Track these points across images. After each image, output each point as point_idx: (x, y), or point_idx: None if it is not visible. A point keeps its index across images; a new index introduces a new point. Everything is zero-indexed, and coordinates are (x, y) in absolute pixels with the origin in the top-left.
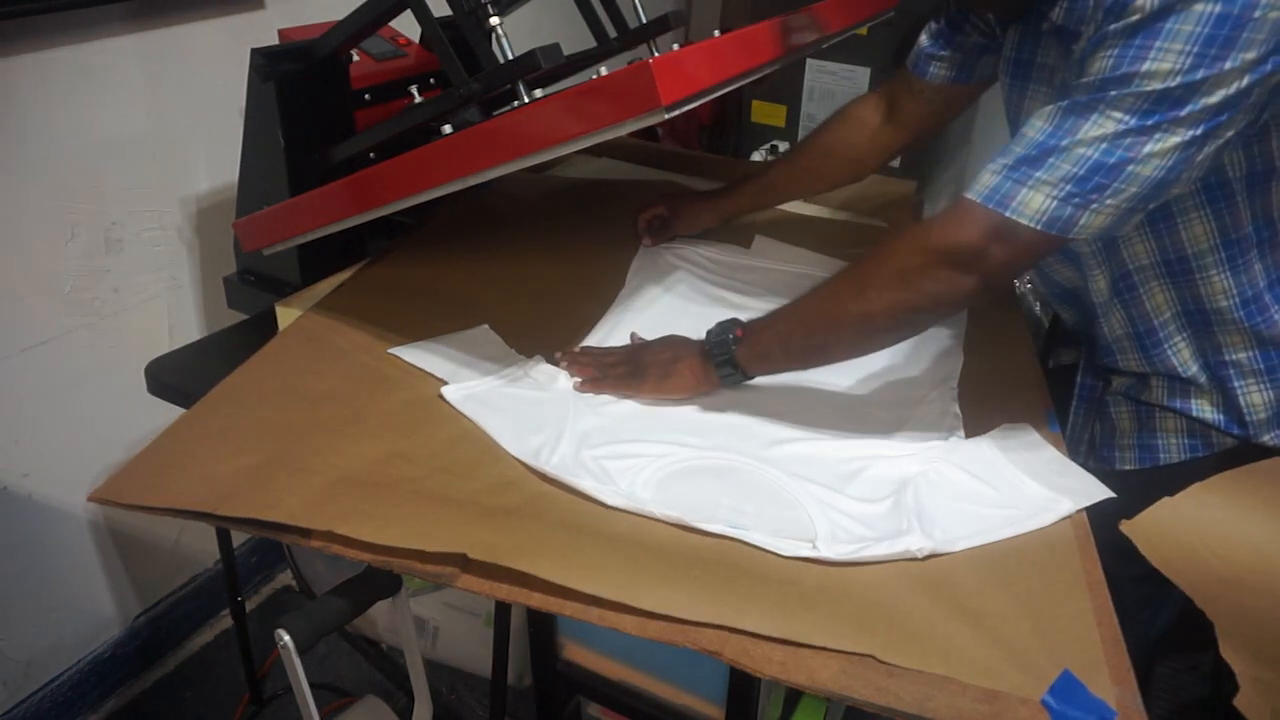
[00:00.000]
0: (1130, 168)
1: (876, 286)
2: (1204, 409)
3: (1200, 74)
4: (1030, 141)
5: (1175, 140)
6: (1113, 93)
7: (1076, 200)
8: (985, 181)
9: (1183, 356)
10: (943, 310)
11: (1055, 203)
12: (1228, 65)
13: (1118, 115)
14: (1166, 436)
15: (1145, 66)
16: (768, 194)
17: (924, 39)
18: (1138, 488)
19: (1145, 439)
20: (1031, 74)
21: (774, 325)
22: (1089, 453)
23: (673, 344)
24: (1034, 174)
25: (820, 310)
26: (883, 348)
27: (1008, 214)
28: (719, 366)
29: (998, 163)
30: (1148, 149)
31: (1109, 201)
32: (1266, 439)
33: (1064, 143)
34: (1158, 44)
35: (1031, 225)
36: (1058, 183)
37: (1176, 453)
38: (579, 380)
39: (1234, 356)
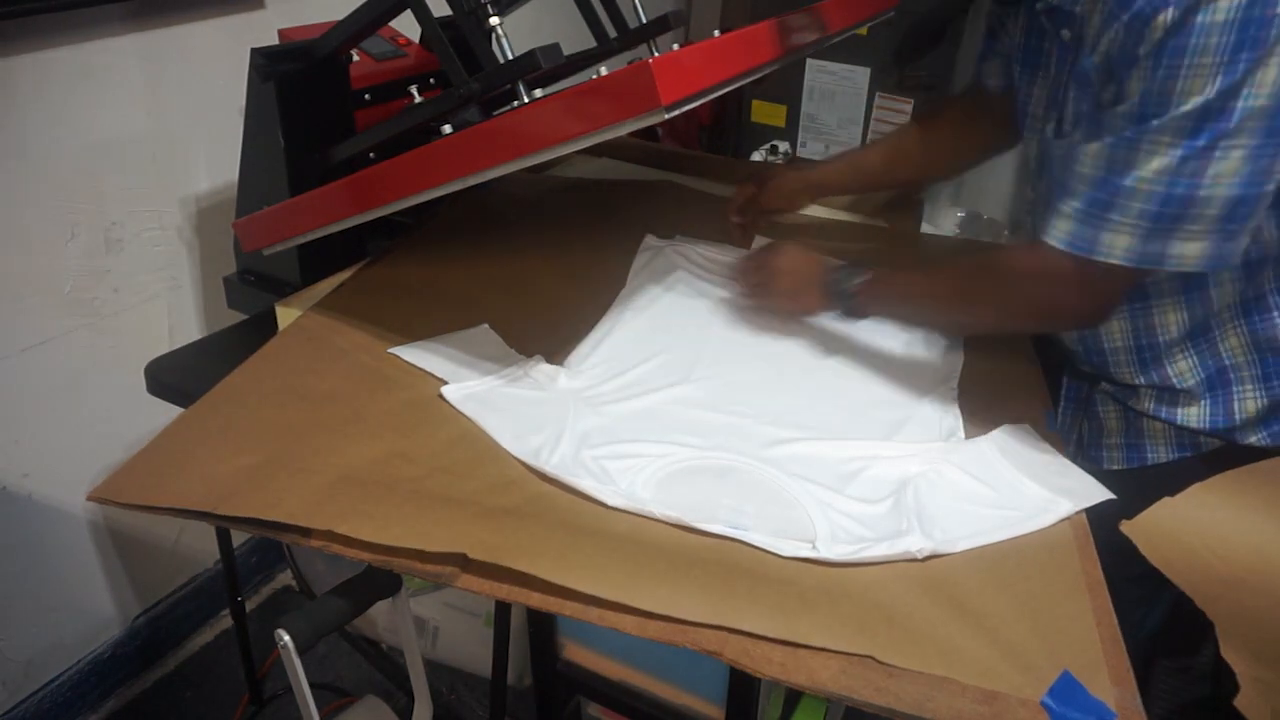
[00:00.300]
0: (1201, 192)
1: (981, 312)
2: (1190, 417)
3: (1233, 80)
4: (1093, 180)
5: (1238, 154)
6: (1154, 122)
7: (1159, 233)
8: (1064, 228)
9: (1179, 369)
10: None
11: (1140, 240)
12: (1259, 67)
13: (1167, 141)
14: (1154, 437)
15: (1179, 85)
16: (860, 177)
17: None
18: (1126, 487)
19: (1132, 439)
20: (1040, 60)
21: (893, 292)
22: (1077, 452)
23: (805, 273)
24: (1109, 216)
25: (934, 299)
26: None
27: (1098, 258)
28: (845, 311)
29: (1068, 204)
30: (1212, 170)
31: (1194, 228)
32: (1253, 439)
33: (1127, 182)
34: (1186, 60)
35: (1125, 263)
36: (1135, 221)
37: (1164, 453)
38: (741, 292)
39: (1233, 361)
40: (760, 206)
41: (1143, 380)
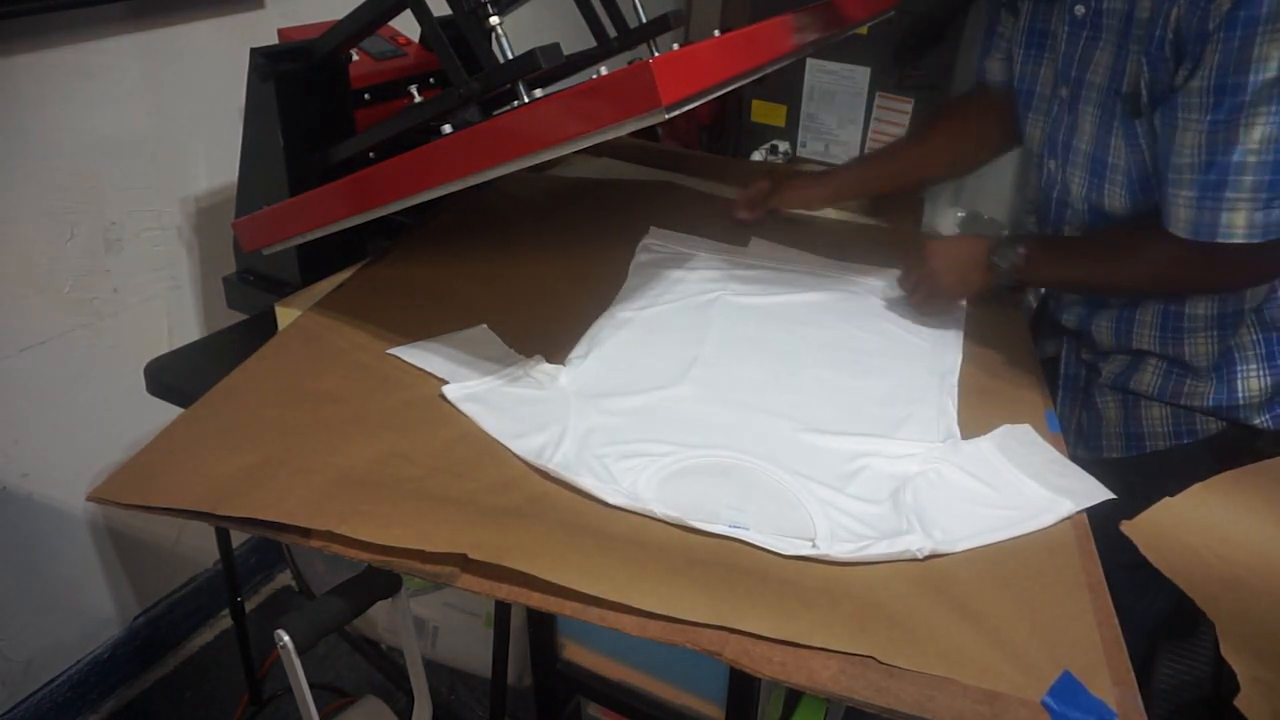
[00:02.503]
0: None
1: (1124, 288)
2: (1195, 396)
3: None
4: (1200, 166)
5: None
6: (1244, 97)
7: (1276, 202)
8: (1184, 218)
9: (1198, 349)
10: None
11: (1259, 212)
12: None
13: (1263, 111)
14: (1152, 424)
15: (1256, 51)
16: (877, 184)
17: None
18: (1125, 475)
19: (1131, 428)
20: (1046, 43)
21: (1048, 269)
22: (1076, 441)
23: (960, 251)
24: (1224, 195)
25: (1080, 276)
26: None
27: (1220, 240)
28: (1008, 286)
29: (1181, 194)
30: None
31: None
32: (1256, 421)
33: (1234, 159)
34: (1261, 27)
35: (1248, 240)
36: (1251, 195)
37: (1162, 440)
38: (912, 299)
39: (1239, 340)
40: (772, 206)
41: (1157, 348)
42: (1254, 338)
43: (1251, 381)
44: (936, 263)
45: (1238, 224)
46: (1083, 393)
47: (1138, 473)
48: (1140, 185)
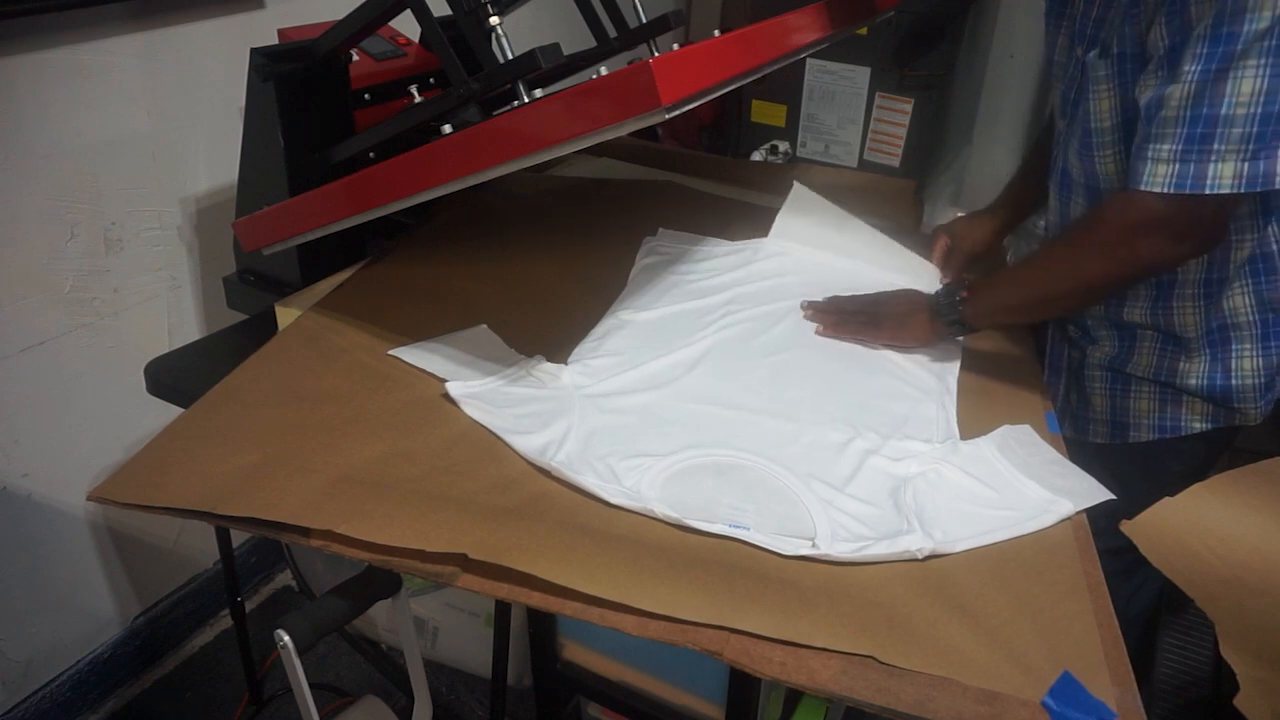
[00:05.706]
0: None
1: (1091, 278)
2: (1190, 374)
3: None
4: (1185, 119)
5: None
6: (1238, 46)
7: (1265, 153)
8: (1164, 172)
9: (1185, 319)
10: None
11: (1247, 163)
12: None
13: (1253, 64)
14: (1139, 416)
15: (1250, 1)
16: (1033, 205)
17: None
18: (1108, 461)
19: (1118, 416)
20: (1064, 10)
21: (996, 289)
22: (1063, 420)
23: (907, 298)
24: (1211, 147)
25: (1040, 280)
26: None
27: (1208, 191)
28: (948, 324)
29: (1161, 148)
30: None
31: None
32: (1250, 408)
33: (1222, 111)
34: None
35: (1234, 190)
36: (1239, 146)
37: (1146, 433)
38: (819, 326)
39: (1235, 320)
40: (960, 255)
41: (1149, 318)
42: (1251, 317)
43: (1245, 362)
44: (881, 310)
45: (1225, 175)
46: (1075, 373)
47: (1121, 460)
48: (1085, 144)
